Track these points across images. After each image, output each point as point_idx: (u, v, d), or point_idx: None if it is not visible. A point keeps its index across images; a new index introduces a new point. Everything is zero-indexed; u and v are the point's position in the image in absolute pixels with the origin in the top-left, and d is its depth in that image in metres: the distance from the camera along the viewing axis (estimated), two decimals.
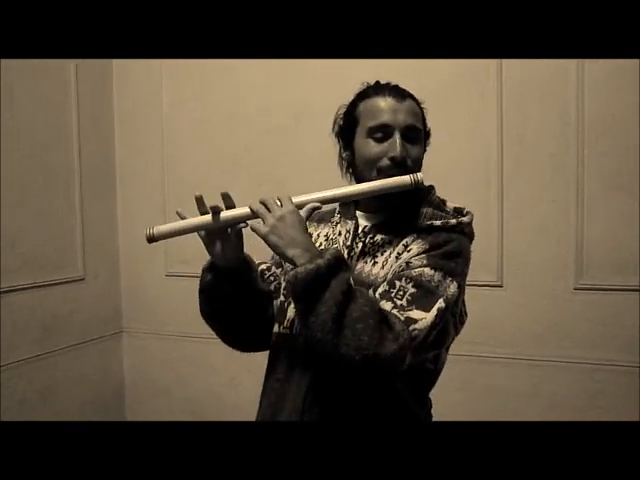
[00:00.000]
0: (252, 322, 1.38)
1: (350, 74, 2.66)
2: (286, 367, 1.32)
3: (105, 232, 3.20)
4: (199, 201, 1.26)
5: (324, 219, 1.44)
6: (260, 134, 2.94)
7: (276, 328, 1.37)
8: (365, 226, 1.35)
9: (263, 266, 1.44)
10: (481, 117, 2.56)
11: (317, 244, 1.37)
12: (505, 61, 2.50)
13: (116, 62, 3.21)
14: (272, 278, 1.43)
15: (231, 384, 3.07)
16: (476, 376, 2.63)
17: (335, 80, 2.75)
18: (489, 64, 2.52)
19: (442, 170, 2.45)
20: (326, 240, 1.38)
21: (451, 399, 2.58)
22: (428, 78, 2.55)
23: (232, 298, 1.33)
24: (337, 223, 1.40)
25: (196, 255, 2.89)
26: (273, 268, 1.45)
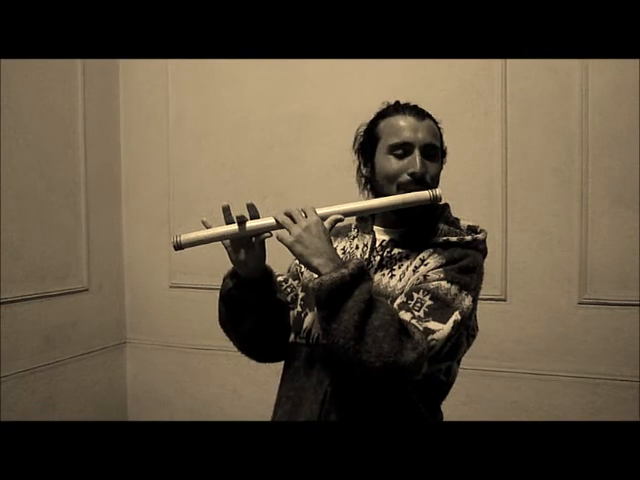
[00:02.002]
0: (270, 332, 1.40)
1: (353, 89, 2.71)
2: (302, 376, 1.35)
3: (109, 243, 3.21)
4: (226, 211, 1.29)
5: (341, 233, 1.48)
6: (264, 146, 2.96)
7: (292, 338, 1.40)
8: (383, 240, 1.39)
9: (280, 278, 1.47)
10: (485, 132, 2.57)
11: None
12: (509, 76, 2.52)
13: (122, 72, 3.24)
14: (289, 290, 1.46)
15: (234, 395, 3.06)
16: (479, 389, 2.62)
17: (337, 94, 2.78)
18: (493, 79, 2.54)
19: (447, 185, 2.43)
20: (343, 254, 1.42)
21: (454, 412, 2.55)
22: (432, 93, 2.57)
23: (252, 307, 1.35)
24: (354, 237, 1.44)
25: (200, 267, 2.91)
26: (290, 280, 1.48)
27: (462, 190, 2.56)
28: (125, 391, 3.30)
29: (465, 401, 2.62)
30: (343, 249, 1.43)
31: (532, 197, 2.52)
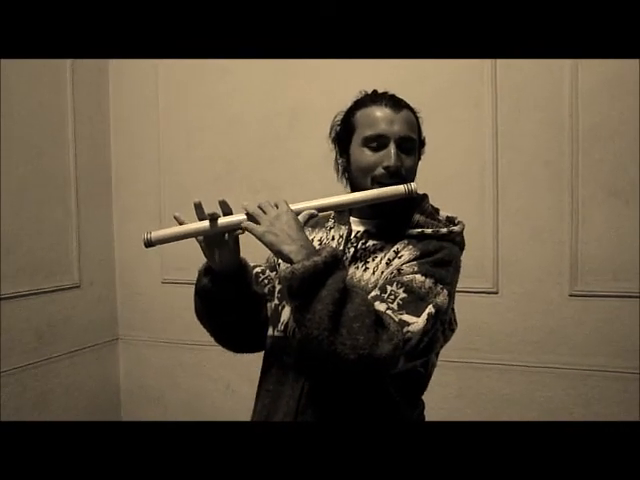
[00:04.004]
0: (246, 324, 1.39)
1: (345, 82, 2.69)
2: (280, 370, 1.34)
3: (101, 239, 3.20)
4: (198, 207, 1.26)
5: (319, 224, 1.46)
6: (255, 140, 2.95)
7: (270, 331, 1.38)
8: (358, 232, 1.37)
9: (257, 269, 1.46)
10: (476, 125, 2.57)
11: None
12: (499, 69, 2.51)
13: (112, 68, 3.22)
14: (266, 281, 1.44)
15: (227, 391, 3.06)
16: (472, 382, 2.63)
17: (330, 87, 2.77)
18: (483, 72, 2.54)
19: (438, 177, 2.47)
20: (320, 245, 1.40)
21: (446, 405, 2.58)
22: (423, 86, 2.57)
23: (227, 301, 1.34)
24: (331, 228, 1.42)
25: (192, 262, 2.88)
26: (267, 271, 1.46)
27: (453, 183, 2.56)
28: (118, 387, 3.30)
29: (457, 394, 2.63)
30: (320, 240, 1.41)
31: (523, 190, 2.52)
